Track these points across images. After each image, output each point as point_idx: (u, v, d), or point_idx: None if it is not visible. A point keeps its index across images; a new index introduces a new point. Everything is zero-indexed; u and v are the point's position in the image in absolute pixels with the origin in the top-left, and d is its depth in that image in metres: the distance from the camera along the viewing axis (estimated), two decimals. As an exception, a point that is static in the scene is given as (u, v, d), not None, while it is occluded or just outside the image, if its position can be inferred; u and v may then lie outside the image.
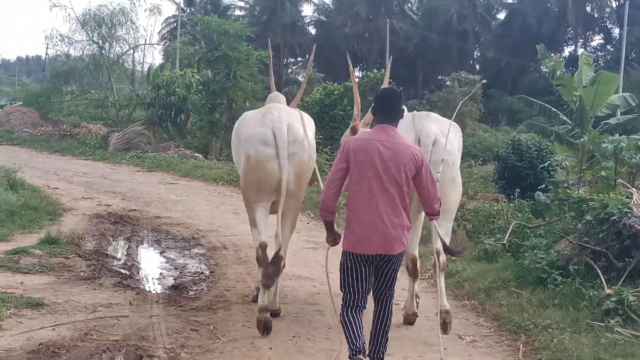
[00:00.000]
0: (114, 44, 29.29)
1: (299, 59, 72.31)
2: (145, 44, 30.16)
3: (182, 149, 23.59)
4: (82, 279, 8.09)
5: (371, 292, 5.38)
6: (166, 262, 9.61)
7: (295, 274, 9.03)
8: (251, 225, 6.95)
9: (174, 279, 8.67)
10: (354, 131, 7.28)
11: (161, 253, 10.16)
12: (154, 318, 6.84)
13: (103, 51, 28.95)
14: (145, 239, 10.97)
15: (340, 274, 5.33)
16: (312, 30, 72.91)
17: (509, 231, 9.67)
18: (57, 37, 29.16)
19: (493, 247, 9.57)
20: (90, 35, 29.03)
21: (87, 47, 29.31)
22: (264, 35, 64.55)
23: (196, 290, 8.11)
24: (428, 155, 6.38)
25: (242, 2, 75.66)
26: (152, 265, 9.44)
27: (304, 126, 7.02)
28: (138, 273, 8.82)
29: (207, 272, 9.03)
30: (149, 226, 11.84)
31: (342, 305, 5.33)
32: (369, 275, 5.26)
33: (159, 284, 8.48)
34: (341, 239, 5.38)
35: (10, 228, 10.37)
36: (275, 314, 7.03)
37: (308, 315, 7.26)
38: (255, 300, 7.29)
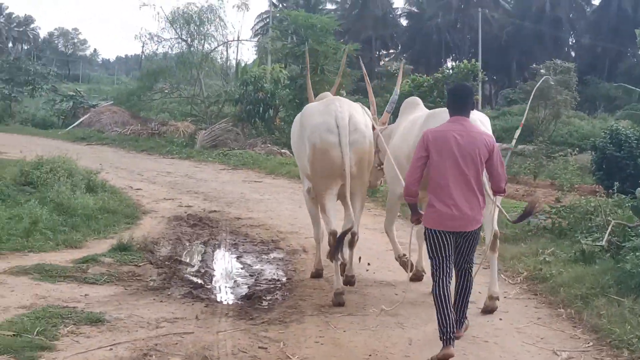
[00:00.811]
0: (203, 41, 29.20)
1: (391, 51, 71.61)
2: (233, 41, 29.99)
3: (269, 145, 23.21)
4: (151, 289, 7.64)
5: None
6: (242, 269, 9.09)
7: (377, 279, 8.40)
8: (321, 212, 7.49)
9: (248, 287, 8.13)
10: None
11: (238, 258, 9.65)
12: (221, 334, 6.29)
13: (192, 48, 28.91)
14: (222, 242, 10.50)
15: (427, 248, 5.98)
16: (404, 22, 72.08)
17: (608, 231, 8.70)
18: (146, 36, 29.30)
19: (591, 248, 8.64)
20: (179, 33, 29.04)
21: (176, 45, 29.35)
22: (355, 28, 64.36)
23: (270, 300, 7.54)
24: None
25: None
26: (226, 272, 8.95)
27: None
28: (210, 281, 8.31)
29: (284, 279, 8.47)
30: (228, 228, 11.39)
31: (433, 280, 5.88)
32: (450, 247, 5.87)
33: (231, 293, 7.96)
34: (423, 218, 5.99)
35: (84, 233, 10.11)
36: (351, 281, 7.92)
37: (388, 329, 6.58)
38: (314, 276, 8.42)
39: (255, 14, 61.69)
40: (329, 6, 74.18)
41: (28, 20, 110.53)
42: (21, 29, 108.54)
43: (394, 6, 72.29)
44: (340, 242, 6.98)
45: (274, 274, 8.81)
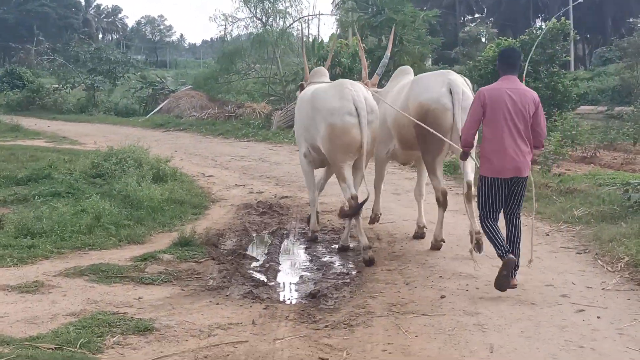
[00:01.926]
0: (278, 18, 28.59)
1: (476, 15, 69.72)
2: (308, 16, 29.25)
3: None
4: (208, 289, 7.09)
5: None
6: (309, 261, 8.47)
7: (456, 270, 7.63)
8: (340, 181, 8.33)
9: (314, 283, 7.49)
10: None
11: (306, 249, 9.02)
12: (278, 342, 5.67)
13: (267, 27, 28.36)
14: (291, 232, 9.91)
15: (479, 197, 6.86)
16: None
17: None
18: (220, 17, 28.85)
19: None
20: (254, 12, 28.51)
21: (251, 24, 28.84)
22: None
23: (336, 298, 6.86)
24: (459, 102, 7.98)
25: (413, -38, 73.90)
26: (292, 267, 8.39)
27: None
28: (274, 277, 7.70)
29: (354, 273, 7.81)
30: (298, 216, 10.79)
31: (480, 216, 6.89)
32: (501, 195, 6.76)
33: (295, 290, 7.36)
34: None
35: (149, 227, 9.70)
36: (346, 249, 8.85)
37: (466, 332, 5.81)
38: (310, 239, 9.33)
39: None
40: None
41: (116, 10, 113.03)
42: (110, 20, 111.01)
43: (478, -33, 70.29)
44: (359, 207, 8.12)
45: (343, 266, 8.19)
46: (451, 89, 8.07)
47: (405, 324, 6.03)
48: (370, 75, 10.07)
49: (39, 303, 6.53)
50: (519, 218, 6.87)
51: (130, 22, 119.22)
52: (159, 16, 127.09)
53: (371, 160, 9.13)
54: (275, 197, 12.18)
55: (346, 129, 8.03)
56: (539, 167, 13.06)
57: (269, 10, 28.18)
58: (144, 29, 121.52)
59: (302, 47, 11.16)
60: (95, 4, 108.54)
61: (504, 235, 6.77)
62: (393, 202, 11.55)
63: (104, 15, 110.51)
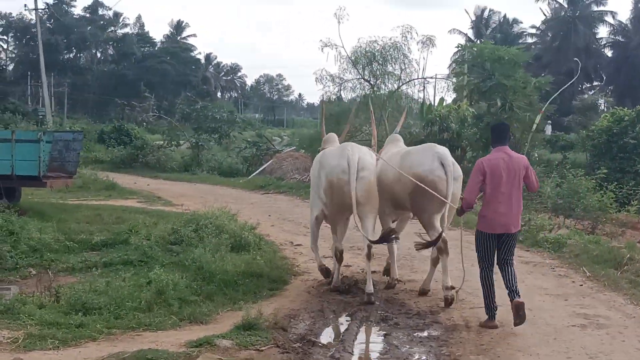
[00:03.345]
0: (386, 80, 27.84)
1: (595, 83, 67.48)
2: (417, 79, 28.17)
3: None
4: (264, 387, 6.20)
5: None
6: (385, 352, 7.43)
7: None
8: (332, 232, 10.20)
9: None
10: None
11: (385, 336, 7.97)
12: None
13: (375, 88, 27.67)
14: (372, 314, 8.86)
15: (477, 249, 8.28)
16: (608, 53, 67.69)
17: None
18: (326, 78, 28.30)
19: None
20: (362, 73, 27.88)
21: (358, 85, 28.17)
22: (556, 60, 61.01)
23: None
24: (451, 173, 9.06)
25: (533, 29, 72.65)
26: (365, 358, 7.37)
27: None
28: (342, 374, 6.74)
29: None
30: (383, 295, 9.77)
31: (480, 269, 8.27)
32: (494, 247, 8.12)
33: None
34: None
35: (218, 304, 8.98)
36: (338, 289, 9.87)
37: None
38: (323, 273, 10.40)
39: (442, 51, 59.74)
40: (529, 39, 71.43)
41: (235, 68, 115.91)
42: (229, 78, 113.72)
43: (598, 36, 68.15)
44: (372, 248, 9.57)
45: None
46: (442, 162, 9.08)
47: None
48: None
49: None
50: (512, 265, 8.24)
51: (249, 81, 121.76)
52: (277, 75, 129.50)
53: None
54: (362, 271, 11.21)
55: (340, 185, 9.32)
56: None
57: (377, 72, 27.48)
58: (262, 88, 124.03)
59: (321, 112, 13.21)
60: (215, 62, 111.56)
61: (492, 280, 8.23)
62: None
63: (223, 73, 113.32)
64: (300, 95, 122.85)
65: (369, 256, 9.53)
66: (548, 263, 12.10)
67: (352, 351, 7.44)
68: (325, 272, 10.38)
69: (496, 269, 8.28)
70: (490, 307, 8.18)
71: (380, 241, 9.24)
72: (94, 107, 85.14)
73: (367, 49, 27.29)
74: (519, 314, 7.85)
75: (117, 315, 8.06)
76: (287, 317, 8.40)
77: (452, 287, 9.16)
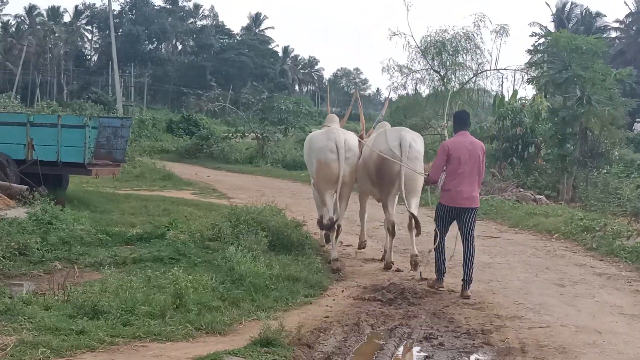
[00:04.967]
0: (456, 71, 26.54)
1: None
2: (489, 70, 26.68)
3: (522, 190, 19.96)
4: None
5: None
6: (424, 380, 6.40)
7: None
8: (323, 205, 10.82)
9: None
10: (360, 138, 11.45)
11: (425, 359, 6.93)
12: None
13: (444, 80, 26.39)
14: (415, 330, 7.78)
15: (436, 219, 9.49)
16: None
17: None
18: (394, 68, 27.12)
19: None
20: (431, 64, 26.64)
21: (427, 77, 26.93)
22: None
23: None
24: (405, 154, 10.21)
25: (617, 23, 69.84)
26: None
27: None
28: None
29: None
30: (430, 307, 8.67)
31: (435, 238, 9.46)
32: (451, 219, 9.34)
33: None
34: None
35: (244, 311, 7.96)
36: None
37: None
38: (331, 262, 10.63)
39: (518, 44, 57.57)
40: (613, 34, 68.66)
41: (312, 62, 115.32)
42: (306, 71, 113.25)
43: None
44: (329, 227, 10.70)
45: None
46: (400, 143, 10.19)
47: None
48: None
49: None
50: (473, 242, 9.31)
51: (327, 74, 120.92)
52: (354, 69, 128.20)
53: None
54: (412, 279, 10.17)
55: (328, 163, 10.48)
56: None
57: (447, 63, 26.19)
58: (340, 82, 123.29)
59: (328, 92, 14.55)
60: (292, 55, 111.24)
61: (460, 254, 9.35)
62: (554, 297, 9.21)
63: (300, 66, 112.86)
64: (378, 89, 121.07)
65: (337, 234, 11.12)
66: (624, 276, 10.74)
67: (383, 377, 6.43)
68: (326, 236, 11.50)
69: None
70: (440, 270, 9.48)
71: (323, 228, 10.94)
72: (173, 98, 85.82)
73: (436, 39, 26.08)
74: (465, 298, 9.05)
75: (125, 321, 7.15)
76: (315, 332, 7.38)
77: (417, 255, 10.44)
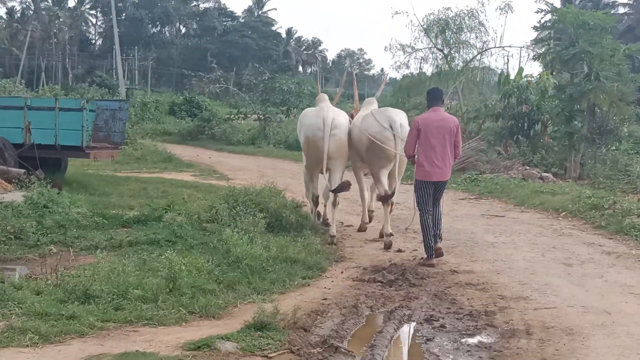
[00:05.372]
0: (460, 49, 26.19)
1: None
2: (494, 47, 26.41)
3: (527, 168, 19.65)
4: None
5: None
6: (424, 363, 6.18)
7: None
8: (309, 182, 11.82)
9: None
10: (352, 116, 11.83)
11: (426, 341, 6.64)
12: None
13: (448, 58, 26.05)
14: (415, 312, 7.54)
15: (416, 194, 9.84)
16: None
17: None
18: (396, 47, 26.80)
19: None
20: (434, 42, 26.29)
21: (430, 55, 26.61)
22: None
23: None
24: (398, 134, 10.53)
25: (626, -1, 69.24)
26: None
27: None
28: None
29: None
30: (431, 289, 8.42)
31: (419, 212, 9.81)
32: (431, 192, 9.67)
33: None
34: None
35: (239, 294, 7.74)
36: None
37: None
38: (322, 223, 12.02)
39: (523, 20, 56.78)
40: (621, 9, 67.98)
41: (316, 43, 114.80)
42: (310, 52, 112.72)
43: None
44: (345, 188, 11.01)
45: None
46: (391, 125, 10.50)
47: None
48: None
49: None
50: (440, 206, 9.88)
51: (330, 55, 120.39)
52: (358, 49, 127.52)
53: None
54: (413, 259, 9.93)
55: (315, 140, 10.88)
56: None
57: (451, 41, 25.84)
58: (343, 62, 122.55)
59: (318, 76, 15.08)
60: (296, 36, 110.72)
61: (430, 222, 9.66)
62: (560, 277, 8.95)
63: (304, 47, 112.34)
64: (382, 69, 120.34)
65: (334, 204, 11.37)
66: (634, 254, 10.42)
67: (384, 358, 6.20)
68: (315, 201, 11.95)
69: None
70: (429, 247, 9.56)
71: (337, 190, 10.93)
72: (177, 81, 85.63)
73: (440, 17, 25.73)
74: (438, 255, 9.55)
75: (117, 305, 6.96)
76: (312, 314, 7.16)
77: (392, 234, 10.76)
